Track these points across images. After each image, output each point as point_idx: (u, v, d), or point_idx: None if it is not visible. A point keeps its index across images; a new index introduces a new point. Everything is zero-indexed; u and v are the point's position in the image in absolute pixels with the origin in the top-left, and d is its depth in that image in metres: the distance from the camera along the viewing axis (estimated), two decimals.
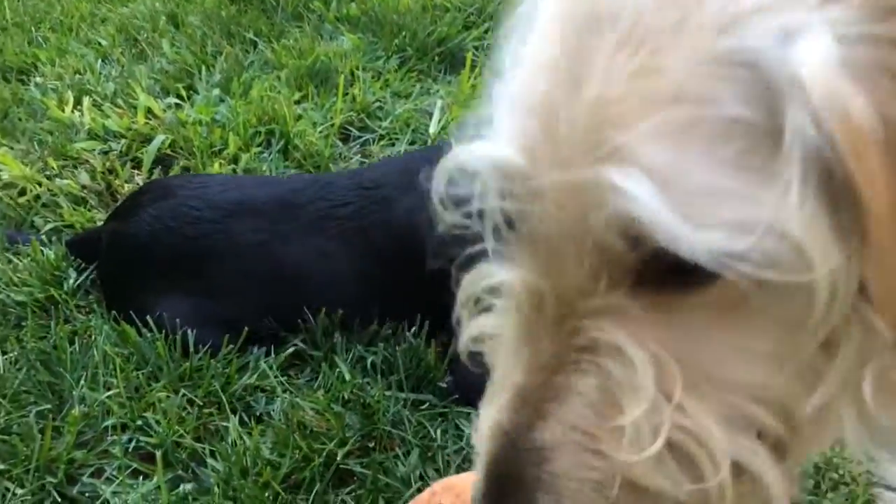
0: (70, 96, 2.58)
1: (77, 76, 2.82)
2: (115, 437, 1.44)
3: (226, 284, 1.63)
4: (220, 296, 1.63)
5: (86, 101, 2.55)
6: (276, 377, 1.55)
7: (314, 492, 1.32)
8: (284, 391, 1.53)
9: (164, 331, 1.58)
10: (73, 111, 2.52)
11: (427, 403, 1.50)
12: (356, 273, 1.59)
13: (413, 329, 1.58)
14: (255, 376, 1.56)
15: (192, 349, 1.57)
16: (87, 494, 1.36)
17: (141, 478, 1.38)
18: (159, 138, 2.30)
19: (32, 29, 3.24)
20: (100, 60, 2.94)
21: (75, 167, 2.28)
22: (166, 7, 3.35)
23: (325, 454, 1.38)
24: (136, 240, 1.66)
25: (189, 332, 1.57)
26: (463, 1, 3.23)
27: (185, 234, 1.63)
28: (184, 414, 1.47)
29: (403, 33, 3.04)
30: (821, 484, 1.32)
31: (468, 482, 1.21)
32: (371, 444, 1.43)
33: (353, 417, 1.45)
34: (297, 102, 2.60)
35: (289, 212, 1.62)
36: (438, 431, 1.44)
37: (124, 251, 1.68)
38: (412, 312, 1.58)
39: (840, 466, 1.35)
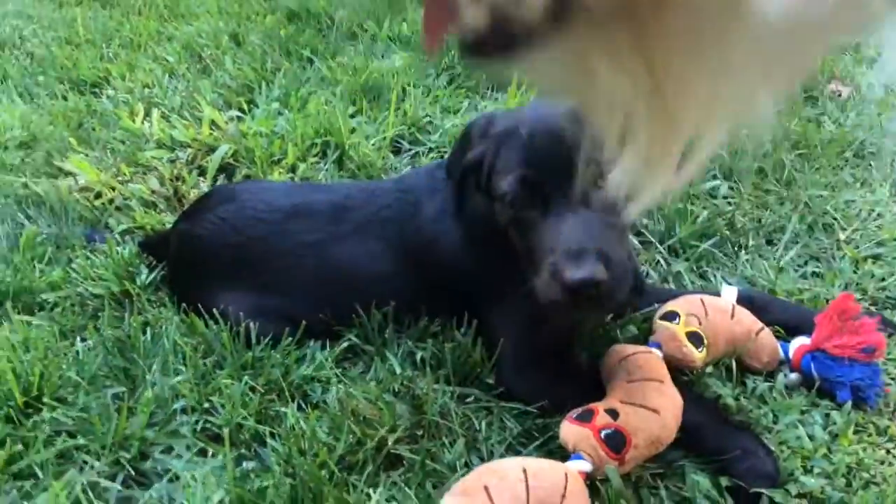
0: (140, 108, 2.74)
1: (146, 90, 3.00)
2: (183, 419, 1.55)
3: (284, 281, 1.74)
4: (279, 292, 1.74)
5: (154, 112, 2.72)
6: (331, 368, 1.65)
7: (366, 473, 1.41)
8: (339, 382, 1.62)
9: (228, 323, 1.70)
10: (142, 122, 2.68)
11: (473, 397, 1.58)
12: (399, 271, 1.69)
13: (462, 328, 1.67)
14: (312, 367, 1.65)
15: (253, 340, 1.68)
16: (158, 469, 1.47)
17: (209, 455, 1.49)
18: (223, 148, 2.44)
19: (103, 45, 3.45)
20: (167, 76, 3.12)
21: (145, 174, 2.43)
22: (228, 26, 3.53)
23: (377, 439, 1.47)
24: (202, 240, 1.79)
25: (251, 324, 1.68)
26: None
27: (247, 235, 1.75)
28: (246, 399, 1.57)
29: (452, 52, 3.16)
30: (852, 483, 1.36)
31: (511, 466, 1.29)
32: (419, 433, 1.51)
33: (402, 407, 1.54)
34: (352, 116, 2.73)
35: (341, 214, 1.74)
36: (483, 423, 1.52)
37: (192, 250, 1.81)
38: (458, 311, 1.67)
39: (871, 467, 1.39)
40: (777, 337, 1.64)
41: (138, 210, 2.21)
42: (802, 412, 1.50)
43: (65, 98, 2.98)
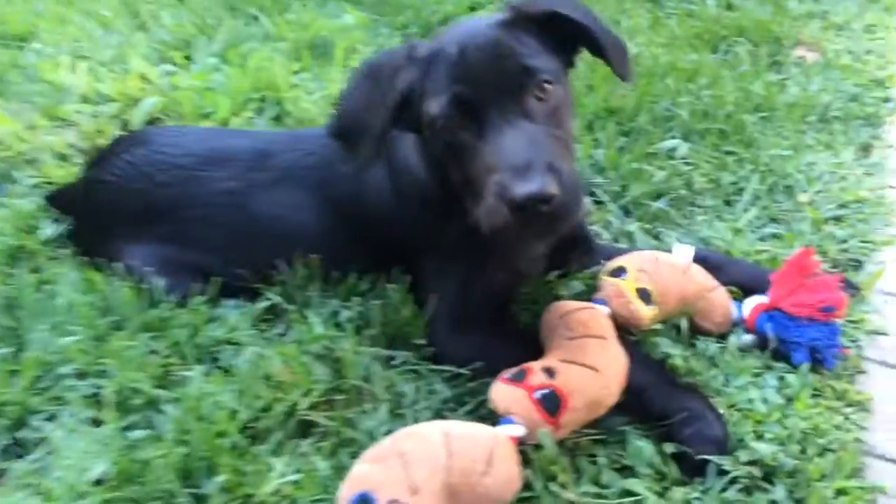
0: (66, 61, 2.55)
1: (76, 44, 2.80)
2: (72, 383, 1.39)
3: (198, 233, 1.58)
4: (192, 245, 1.58)
5: (81, 65, 2.53)
6: (246, 330, 1.50)
7: (270, 441, 1.26)
8: (254, 344, 1.47)
9: (133, 279, 1.53)
10: (68, 75, 2.49)
11: (400, 360, 1.43)
12: (325, 224, 1.53)
13: (392, 285, 1.52)
14: (225, 328, 1.50)
15: (160, 297, 1.52)
16: (35, 438, 1.31)
17: (99, 424, 1.32)
18: (149, 100, 2.27)
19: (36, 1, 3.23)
20: (101, 31, 2.92)
21: (65, 127, 2.24)
22: None
23: (287, 404, 1.32)
24: (109, 186, 1.62)
25: (158, 279, 1.52)
26: None
27: (158, 181, 1.59)
28: (144, 362, 1.41)
29: (408, 11, 3.00)
30: (806, 449, 1.23)
31: (432, 430, 1.15)
32: (339, 398, 1.37)
33: (321, 370, 1.39)
34: (295, 72, 2.56)
35: (262, 161, 1.58)
36: (410, 388, 1.38)
37: (98, 198, 1.64)
38: (388, 266, 1.52)
39: (828, 433, 1.27)
40: (733, 298, 1.51)
41: (50, 163, 2.02)
42: (755, 374, 1.38)
43: None
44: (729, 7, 3.03)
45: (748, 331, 1.46)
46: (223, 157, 1.60)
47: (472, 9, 3.07)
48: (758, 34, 2.75)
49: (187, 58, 2.70)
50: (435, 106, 1.26)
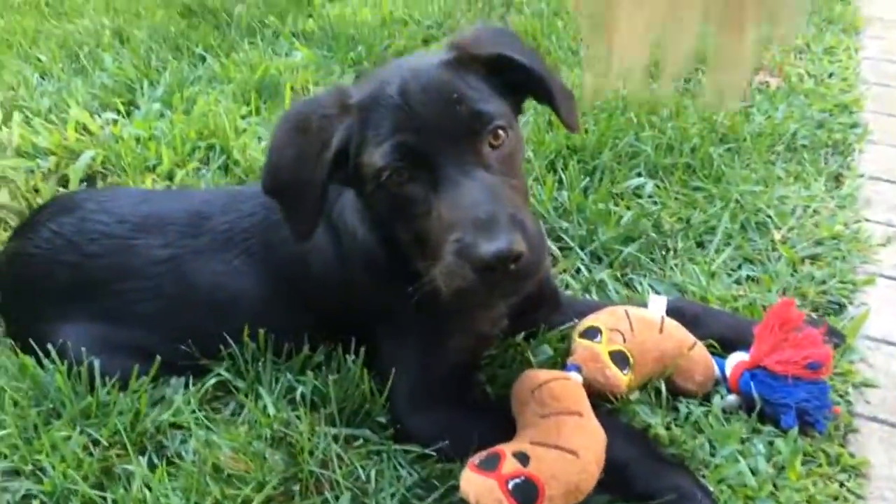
0: None
1: (10, 92, 2.65)
2: (6, 484, 1.26)
3: (135, 307, 1.46)
4: (129, 320, 1.45)
5: (16, 117, 2.38)
6: (192, 412, 1.38)
7: None
8: (201, 428, 1.35)
9: (66, 361, 1.40)
10: (1, 129, 2.35)
11: (361, 440, 1.32)
12: (270, 291, 1.42)
13: (350, 356, 1.41)
14: (170, 412, 1.38)
15: (98, 382, 1.39)
16: None
17: None
18: (87, 154, 2.14)
19: None
20: (37, 77, 2.78)
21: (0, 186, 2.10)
22: (114, 23, 3.21)
23: (240, 500, 1.20)
24: (34, 259, 1.49)
25: (94, 361, 1.39)
26: (423, 14, 3.11)
27: (88, 252, 1.46)
28: (84, 455, 1.28)
29: (360, 47, 2.91)
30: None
31: None
32: (296, 488, 1.25)
33: (275, 457, 1.28)
34: (243, 117, 2.45)
35: (198, 225, 1.46)
36: (373, 472, 1.27)
37: (22, 272, 1.51)
38: (344, 337, 1.41)
39: None
40: (712, 353, 1.43)
41: None
42: (743, 441, 1.29)
43: None
44: None
45: (731, 391, 1.38)
46: (157, 223, 1.48)
47: (426, 42, 2.99)
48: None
49: (130, 103, 2.57)
50: (378, 156, 1.14)
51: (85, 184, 2.10)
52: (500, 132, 1.16)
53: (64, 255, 1.46)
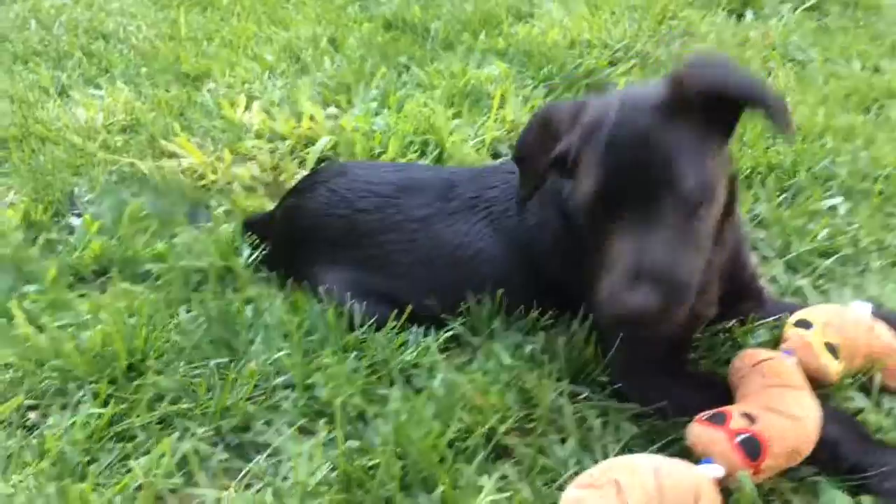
0: (241, 100, 2.77)
1: (245, 85, 3.03)
2: (285, 394, 1.51)
3: (391, 259, 1.70)
4: (387, 270, 1.70)
5: (255, 105, 2.73)
6: (435, 355, 1.59)
7: (476, 461, 1.34)
8: (444, 370, 1.56)
9: (332, 302, 1.65)
10: (243, 113, 2.70)
11: (585, 395, 1.50)
12: (506, 257, 1.63)
13: (575, 322, 1.59)
14: (416, 353, 1.60)
15: (356, 322, 1.63)
16: (258, 441, 1.43)
17: (311, 433, 1.44)
18: (324, 139, 2.44)
19: (204, 43, 3.51)
20: (266, 73, 3.15)
21: (246, 161, 2.44)
22: (326, 31, 3.57)
23: (486, 427, 1.40)
24: (312, 212, 1.76)
25: (357, 305, 1.64)
26: (611, 38, 3.29)
27: (359, 207, 1.72)
28: (350, 378, 1.52)
29: (550, 65, 3.12)
30: None
31: (642, 463, 1.20)
32: (530, 426, 1.44)
33: (512, 399, 1.47)
34: (450, 119, 2.69)
35: (450, 191, 1.70)
36: (598, 423, 1.44)
37: (300, 224, 1.79)
38: (570, 305, 1.60)
39: None
40: None
41: (240, 193, 2.20)
42: None
43: (167, 89, 3.04)
44: (876, 70, 3.03)
45: None
46: (416, 186, 1.73)
47: (612, 63, 3.17)
48: None
49: (348, 101, 2.88)
50: (585, 185, 1.29)
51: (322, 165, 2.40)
52: (686, 196, 1.24)
53: (338, 209, 1.73)
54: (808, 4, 3.62)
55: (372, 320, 1.64)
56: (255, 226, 1.96)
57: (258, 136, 2.60)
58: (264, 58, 3.30)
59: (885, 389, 1.49)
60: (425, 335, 1.65)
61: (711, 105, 1.27)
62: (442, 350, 1.65)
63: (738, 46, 3.22)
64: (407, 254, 1.70)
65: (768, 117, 1.29)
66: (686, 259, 1.25)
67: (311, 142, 2.50)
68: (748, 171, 2.23)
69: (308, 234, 1.77)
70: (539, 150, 1.39)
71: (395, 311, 1.65)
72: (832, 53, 3.16)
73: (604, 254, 1.29)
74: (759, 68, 3.00)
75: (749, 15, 3.63)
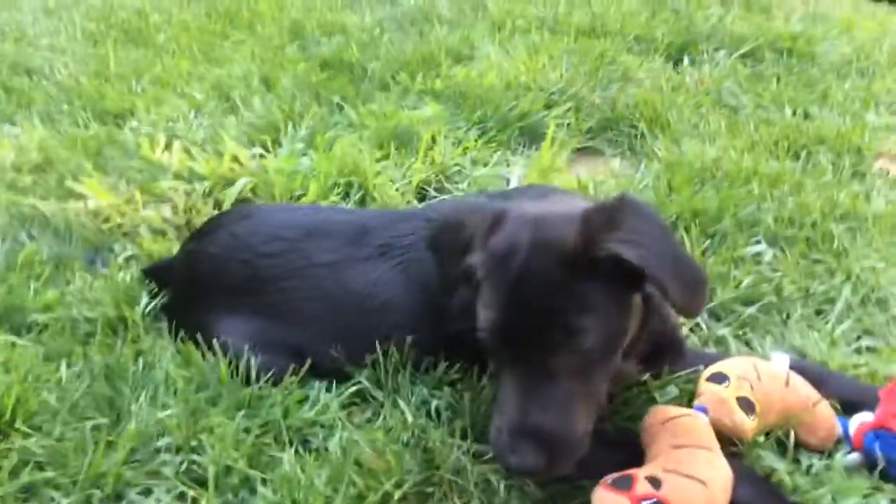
0: (161, 139, 2.66)
1: (170, 123, 2.93)
2: (167, 458, 1.39)
3: (294, 307, 1.60)
4: (289, 318, 1.60)
5: (176, 144, 2.63)
6: (336, 412, 1.50)
7: None
8: (343, 428, 1.46)
9: (227, 355, 1.55)
10: (162, 153, 2.59)
11: (490, 455, 1.41)
12: (417, 307, 1.54)
13: (483, 378, 1.51)
14: (315, 410, 1.50)
15: (253, 376, 1.53)
16: None
17: (190, 500, 1.32)
18: (242, 180, 2.35)
19: (133, 80, 3.41)
20: (192, 112, 3.06)
21: (160, 203, 2.33)
22: (260, 70, 3.49)
23: (380, 493, 1.30)
24: (212, 258, 1.67)
25: (253, 358, 1.53)
26: (547, 81, 3.27)
27: (261, 251, 1.63)
28: (238, 440, 1.41)
29: (485, 107, 3.08)
30: None
31: None
32: (430, 490, 1.34)
33: (411, 461, 1.37)
34: (378, 160, 2.63)
35: (361, 236, 1.62)
36: (502, 486, 1.35)
37: (199, 270, 1.68)
38: (479, 359, 1.51)
39: None
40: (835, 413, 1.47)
41: (146, 237, 2.09)
42: (865, 496, 1.32)
43: (86, 126, 2.92)
44: (806, 116, 3.05)
45: (854, 449, 1.40)
46: (325, 231, 1.65)
47: (548, 106, 3.14)
48: (838, 144, 2.74)
49: (275, 142, 2.80)
50: (485, 315, 1.28)
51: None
52: (584, 346, 1.22)
53: (239, 253, 1.64)
54: (742, 51, 3.65)
55: (269, 374, 1.53)
56: (157, 272, 1.85)
57: (177, 176, 2.49)
58: (193, 96, 3.20)
59: (802, 446, 1.42)
60: (328, 390, 1.55)
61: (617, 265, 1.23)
62: (346, 405, 1.56)
63: (672, 91, 3.23)
64: (311, 302, 1.61)
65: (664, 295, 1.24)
66: (575, 417, 1.24)
67: (230, 183, 2.40)
68: (673, 217, 2.19)
69: (207, 280, 1.67)
70: (449, 253, 1.37)
71: (294, 363, 1.55)
72: (764, 100, 3.17)
73: (498, 380, 1.32)
74: (690, 114, 2.99)
75: (686, 61, 3.65)
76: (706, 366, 1.52)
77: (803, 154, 2.69)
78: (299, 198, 2.33)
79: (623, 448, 1.35)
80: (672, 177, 2.43)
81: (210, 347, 1.57)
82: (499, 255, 1.27)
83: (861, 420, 1.42)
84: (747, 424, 1.36)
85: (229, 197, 2.31)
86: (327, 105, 3.16)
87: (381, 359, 1.55)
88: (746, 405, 1.38)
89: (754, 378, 1.43)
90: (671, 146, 2.72)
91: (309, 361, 1.55)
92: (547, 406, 1.22)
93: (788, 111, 3.07)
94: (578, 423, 1.24)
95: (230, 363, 1.54)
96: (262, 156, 2.65)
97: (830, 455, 1.41)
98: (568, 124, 2.99)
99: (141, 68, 3.56)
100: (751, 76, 3.45)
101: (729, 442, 1.37)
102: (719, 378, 1.43)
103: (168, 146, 2.65)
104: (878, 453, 1.36)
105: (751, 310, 1.84)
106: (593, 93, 3.23)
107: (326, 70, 3.55)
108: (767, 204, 2.26)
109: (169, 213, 2.23)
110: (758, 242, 2.13)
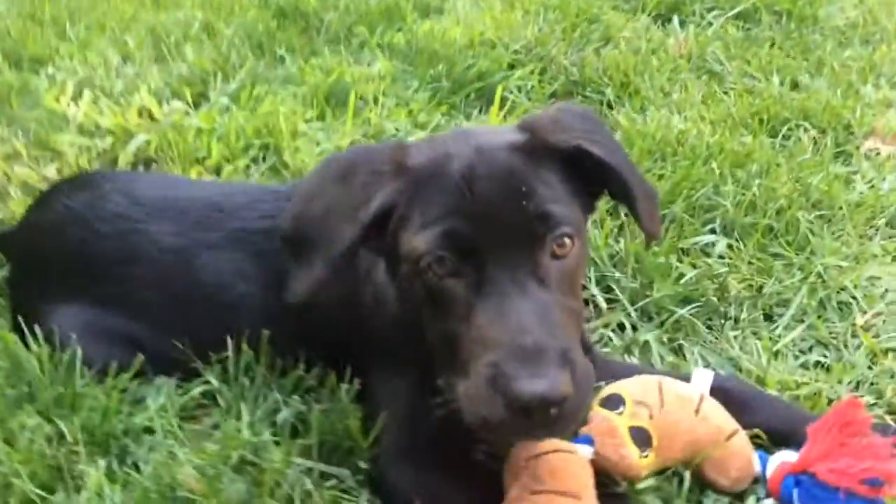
0: (70, 88, 2.42)
1: (91, 72, 2.68)
2: None
3: (137, 295, 1.38)
4: (129, 308, 1.38)
5: (86, 94, 2.39)
6: (168, 419, 1.28)
7: None
8: (170, 438, 1.25)
9: (52, 345, 1.33)
10: (69, 103, 2.35)
11: (335, 480, 1.19)
12: (273, 301, 1.29)
13: (344, 385, 1.27)
14: (145, 416, 1.28)
15: (77, 370, 1.31)
16: None
17: None
18: (140, 137, 2.12)
19: (68, 25, 3.16)
20: (120, 60, 2.81)
21: (52, 160, 2.10)
22: (205, 16, 3.23)
23: None
24: (45, 232, 1.43)
25: (77, 349, 1.31)
26: (514, 38, 2.98)
27: (98, 231, 1.39)
28: (46, 447, 1.19)
29: (441, 65, 2.80)
30: None
31: None
32: None
33: (237, 485, 1.15)
34: (307, 121, 2.38)
35: (213, 218, 1.37)
36: None
37: (33, 244, 1.46)
38: (340, 364, 1.28)
39: None
40: (756, 445, 1.23)
41: (17, 197, 1.86)
42: None
43: None
44: (795, 86, 2.74)
45: (770, 494, 1.16)
46: (173, 209, 1.40)
47: (511, 66, 2.85)
48: (825, 119, 2.45)
49: (201, 95, 2.55)
50: (422, 240, 0.99)
51: (138, 168, 2.07)
52: (567, 240, 1.01)
53: (73, 230, 1.40)
54: (736, 10, 3.33)
55: (95, 368, 1.31)
56: (3, 240, 1.62)
57: (81, 130, 2.26)
58: (125, 42, 2.95)
59: (710, 487, 1.19)
60: (161, 392, 1.33)
61: (572, 165, 1.07)
62: (192, 408, 1.34)
63: (651, 55, 2.93)
64: (155, 292, 1.37)
65: (632, 207, 1.09)
66: (577, 335, 1.04)
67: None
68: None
69: (39, 258, 1.44)
70: (342, 217, 1.04)
71: (132, 358, 1.32)
72: (751, 67, 2.86)
73: (457, 328, 0.99)
74: (665, 81, 2.70)
75: (675, 21, 3.33)
76: (614, 381, 1.28)
77: (783, 130, 2.40)
78: (203, 160, 2.09)
79: (481, 487, 1.11)
80: (630, 149, 2.16)
81: (34, 336, 1.35)
82: (429, 169, 1.03)
83: (782, 459, 1.17)
84: (635, 460, 1.12)
85: (125, 156, 2.07)
86: (270, 56, 2.90)
87: (231, 356, 1.32)
88: (641, 437, 1.14)
89: (656, 403, 1.18)
90: (636, 115, 2.44)
91: (141, 357, 1.32)
92: (552, 324, 0.95)
93: (776, 80, 2.76)
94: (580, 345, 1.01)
95: (52, 355, 1.32)
96: (186, 112, 2.41)
97: (742, 498, 1.18)
98: (531, 86, 2.71)
99: (80, 13, 3.30)
100: (742, 40, 3.13)
101: (615, 480, 1.14)
102: (614, 402, 1.19)
103: (77, 97, 2.40)
104: (796, 503, 1.11)
105: (686, 310, 1.59)
106: (565, 53, 2.95)
107: (279, 18, 3.28)
108: (728, 186, 1.99)
109: (53, 172, 1.99)
110: (711, 231, 1.87)
